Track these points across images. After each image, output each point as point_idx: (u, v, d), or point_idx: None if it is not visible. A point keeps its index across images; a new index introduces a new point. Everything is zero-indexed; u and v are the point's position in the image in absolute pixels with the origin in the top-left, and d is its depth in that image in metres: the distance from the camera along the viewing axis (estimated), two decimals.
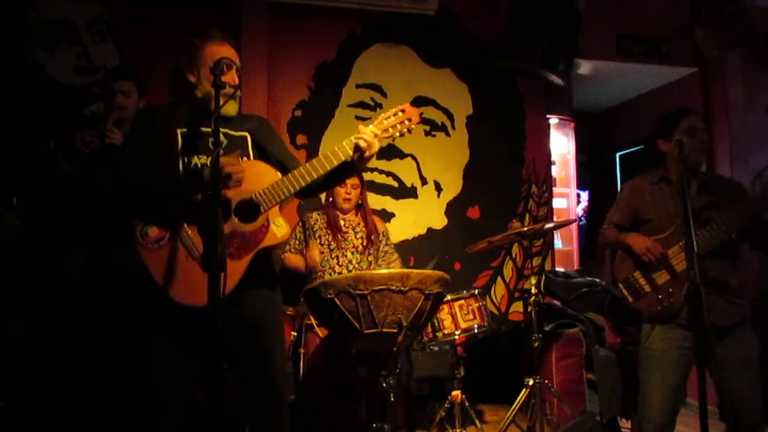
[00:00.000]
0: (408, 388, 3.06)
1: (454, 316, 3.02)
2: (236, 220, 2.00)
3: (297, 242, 3.21)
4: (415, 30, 4.10)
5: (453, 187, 4.19)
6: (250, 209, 2.00)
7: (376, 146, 2.08)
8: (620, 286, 2.63)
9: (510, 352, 3.73)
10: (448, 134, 4.19)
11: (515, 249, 4.25)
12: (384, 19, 4.04)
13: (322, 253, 3.16)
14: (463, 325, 3.02)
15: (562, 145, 5.12)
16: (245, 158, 2.10)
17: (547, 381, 3.18)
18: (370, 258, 3.24)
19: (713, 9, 4.19)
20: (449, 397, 3.05)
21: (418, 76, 4.09)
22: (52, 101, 3.43)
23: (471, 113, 4.23)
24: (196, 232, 1.97)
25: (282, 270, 3.15)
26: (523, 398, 3.05)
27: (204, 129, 2.03)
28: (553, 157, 4.74)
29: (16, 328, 2.67)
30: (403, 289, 2.11)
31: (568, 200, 5.17)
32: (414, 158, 4.10)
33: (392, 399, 2.33)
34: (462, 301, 3.05)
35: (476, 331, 3.03)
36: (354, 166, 2.14)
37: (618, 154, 5.88)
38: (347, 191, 3.20)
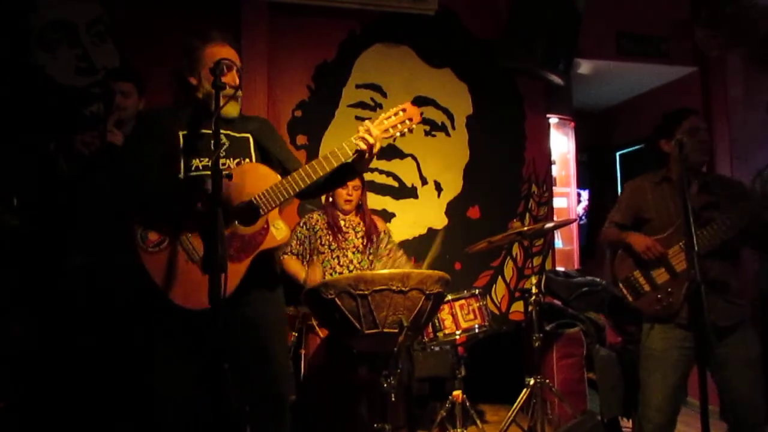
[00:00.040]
0: (409, 388, 3.06)
1: (454, 316, 3.02)
2: (236, 222, 2.00)
3: (298, 243, 3.20)
4: (415, 30, 4.10)
5: (453, 187, 4.19)
6: (250, 212, 2.00)
7: (377, 147, 2.07)
8: (620, 285, 2.64)
9: (511, 351, 3.73)
10: (448, 134, 4.19)
11: (516, 249, 4.25)
12: (384, 19, 4.05)
13: (322, 253, 3.16)
14: (464, 324, 3.02)
15: (562, 144, 5.12)
16: (247, 160, 2.10)
17: (548, 380, 3.18)
18: (371, 257, 3.24)
19: (713, 9, 4.19)
20: (450, 396, 3.05)
21: (418, 76, 4.09)
22: (52, 102, 3.43)
23: (471, 113, 4.24)
24: (196, 237, 1.97)
25: (282, 271, 3.15)
26: (524, 398, 3.06)
27: (205, 130, 2.03)
28: (553, 157, 4.74)
29: (16, 328, 2.67)
30: (403, 289, 2.11)
31: (569, 200, 5.17)
32: (414, 158, 4.10)
33: (393, 399, 2.33)
34: (463, 301, 3.05)
35: (477, 330, 3.03)
36: (354, 167, 2.14)
37: (618, 154, 5.89)
38: (348, 192, 3.20)
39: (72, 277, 2.55)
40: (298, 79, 3.94)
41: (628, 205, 2.72)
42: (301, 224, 3.24)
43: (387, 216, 3.95)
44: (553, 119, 4.78)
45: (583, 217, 5.86)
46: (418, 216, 4.08)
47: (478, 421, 3.10)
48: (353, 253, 3.18)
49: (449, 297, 3.01)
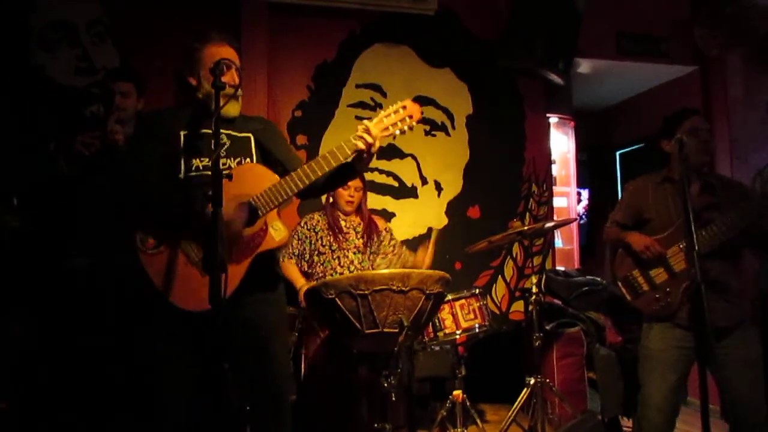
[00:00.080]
0: (409, 388, 3.05)
1: (455, 316, 3.02)
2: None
3: (298, 243, 3.20)
4: (415, 30, 4.10)
5: (453, 186, 4.19)
6: (249, 213, 1.98)
7: (376, 146, 2.04)
8: (619, 284, 2.66)
9: (511, 351, 3.73)
10: (448, 134, 4.19)
11: (516, 248, 4.26)
12: (384, 19, 4.05)
13: (323, 254, 3.16)
14: (464, 324, 3.02)
15: (562, 144, 5.12)
16: (248, 160, 2.10)
17: (548, 380, 3.18)
18: (372, 256, 3.24)
19: (713, 8, 4.19)
20: (450, 396, 3.05)
21: (418, 75, 4.09)
22: (52, 102, 3.43)
23: (471, 113, 4.24)
24: (196, 238, 1.96)
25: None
26: (525, 397, 3.05)
27: (205, 130, 2.03)
28: (553, 156, 4.75)
29: (16, 328, 2.67)
30: (404, 289, 2.11)
31: (569, 199, 5.17)
32: (414, 158, 4.10)
33: (393, 399, 2.34)
34: (463, 301, 3.05)
35: (477, 330, 3.03)
36: (354, 167, 2.13)
37: (618, 153, 5.89)
38: (350, 194, 3.20)
39: (72, 278, 2.55)
40: (298, 79, 3.94)
41: (629, 205, 2.73)
42: (302, 224, 3.24)
43: (387, 216, 3.95)
44: (553, 119, 4.78)
45: (583, 217, 5.86)
46: (418, 216, 4.08)
47: (479, 421, 3.10)
48: (354, 253, 3.19)
49: (449, 297, 3.01)
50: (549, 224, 3.41)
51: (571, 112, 4.98)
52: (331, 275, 3.09)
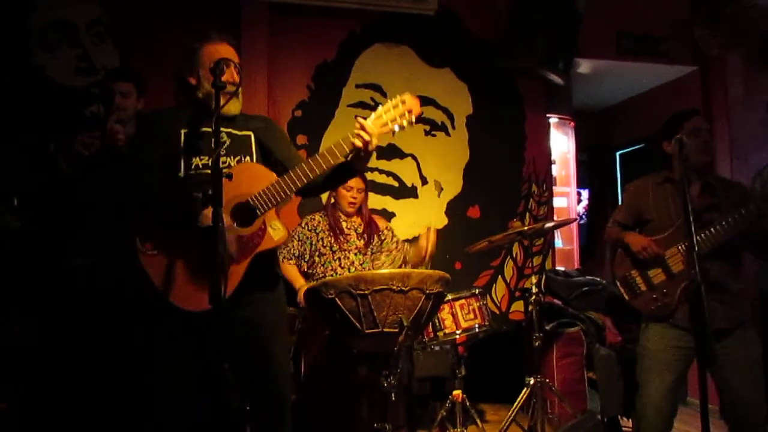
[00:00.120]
0: (409, 388, 3.06)
1: (455, 316, 3.02)
2: (233, 224, 2.00)
3: (299, 243, 3.20)
4: (414, 30, 4.10)
5: (453, 186, 4.19)
6: (247, 213, 1.98)
7: (374, 143, 2.01)
8: (618, 283, 2.67)
9: (511, 351, 3.73)
10: (448, 134, 4.19)
11: (516, 248, 4.26)
12: (384, 19, 4.05)
13: (323, 255, 3.16)
14: (464, 324, 3.02)
15: (562, 144, 5.12)
16: (247, 158, 2.10)
17: (548, 380, 3.18)
18: (373, 255, 3.24)
19: (713, 8, 4.19)
20: (450, 396, 3.05)
21: (418, 75, 4.09)
22: (52, 102, 3.43)
23: (471, 113, 4.24)
24: (195, 238, 1.95)
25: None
26: (524, 397, 3.05)
27: (205, 129, 2.03)
28: (553, 156, 4.75)
29: (17, 328, 2.67)
30: (404, 288, 2.11)
31: (569, 199, 5.17)
32: (414, 158, 4.10)
33: (393, 399, 2.34)
34: (463, 301, 3.05)
35: (477, 330, 3.03)
36: (353, 166, 2.11)
37: (618, 153, 5.89)
38: (353, 195, 3.20)
39: (72, 278, 2.55)
40: (298, 79, 3.94)
41: (630, 205, 2.74)
42: (303, 225, 3.24)
43: (387, 216, 3.95)
44: (553, 119, 4.78)
45: (583, 217, 5.86)
46: (418, 216, 4.08)
47: (479, 421, 3.10)
48: (355, 254, 3.18)
49: (449, 296, 3.01)
50: (549, 224, 3.41)
51: (571, 112, 4.98)
52: (332, 276, 3.09)
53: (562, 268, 4.49)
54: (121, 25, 3.61)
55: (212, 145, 1.73)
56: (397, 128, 2.05)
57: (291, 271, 3.16)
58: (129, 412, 2.44)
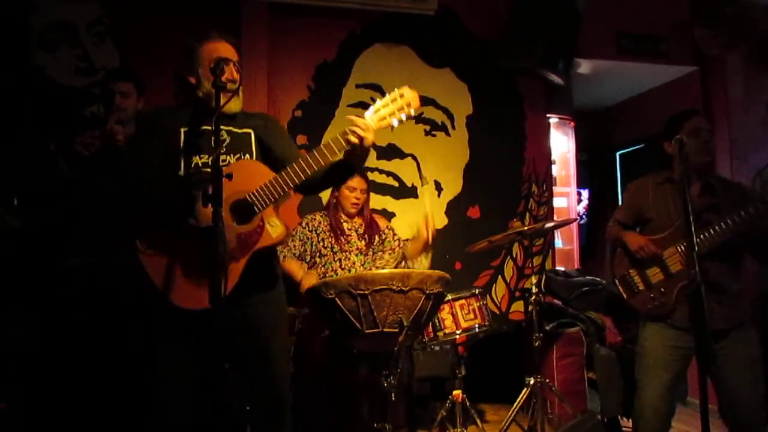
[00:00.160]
0: (409, 388, 3.06)
1: (455, 316, 3.02)
2: (233, 222, 1.99)
3: (300, 243, 3.19)
4: (414, 30, 4.10)
5: (453, 186, 4.19)
6: (245, 210, 1.97)
7: (370, 138, 1.98)
8: (616, 282, 2.69)
9: (511, 351, 3.73)
10: (448, 134, 4.20)
11: (516, 248, 4.26)
12: (384, 19, 4.05)
13: (324, 255, 3.16)
14: (464, 324, 3.02)
15: (562, 144, 5.12)
16: (247, 156, 2.09)
17: (548, 380, 3.18)
18: (376, 256, 3.23)
19: (713, 8, 4.19)
20: (450, 396, 3.05)
21: (418, 75, 4.09)
22: (52, 102, 3.43)
23: (471, 113, 4.24)
24: (195, 237, 1.95)
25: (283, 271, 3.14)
26: (524, 397, 3.06)
27: (205, 127, 2.03)
28: (554, 156, 4.75)
29: (17, 329, 2.67)
30: (404, 288, 2.11)
31: (569, 199, 5.17)
32: (414, 158, 4.10)
33: (393, 399, 2.33)
34: (463, 301, 3.05)
35: (477, 330, 3.04)
36: (351, 164, 2.09)
37: (618, 153, 5.89)
38: (356, 196, 3.19)
39: (72, 278, 2.55)
40: (298, 79, 3.94)
41: (630, 205, 2.75)
42: (303, 225, 3.23)
43: (387, 216, 3.95)
44: (553, 119, 4.78)
45: (583, 217, 5.86)
46: (419, 216, 4.06)
47: (479, 421, 3.10)
48: (356, 255, 3.18)
49: (449, 296, 3.01)
50: (549, 224, 3.41)
51: (571, 112, 4.98)
52: (332, 276, 3.09)
53: (562, 268, 4.49)
54: (121, 25, 3.61)
55: (212, 144, 1.72)
56: (395, 123, 2.03)
57: (292, 264, 3.14)
58: (129, 412, 2.44)
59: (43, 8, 3.49)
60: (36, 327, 2.62)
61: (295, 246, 3.18)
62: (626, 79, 4.92)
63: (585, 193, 5.95)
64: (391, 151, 4.04)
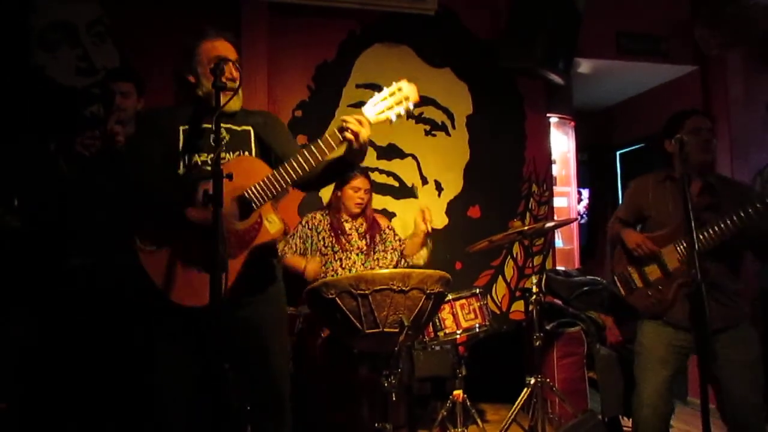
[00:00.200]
0: (410, 388, 3.06)
1: (455, 316, 3.02)
2: (235, 214, 1.97)
3: (300, 241, 3.20)
4: (415, 30, 4.10)
5: (453, 186, 4.19)
6: (243, 206, 1.97)
7: (365, 134, 1.96)
8: (615, 278, 2.70)
9: (511, 351, 3.73)
10: (448, 134, 4.19)
11: (516, 248, 4.26)
12: (384, 19, 4.05)
13: (324, 255, 3.16)
14: (465, 324, 3.02)
15: (562, 143, 5.12)
16: (246, 153, 2.09)
17: (548, 380, 3.18)
18: (378, 255, 3.23)
19: (713, 7, 4.19)
20: (451, 396, 3.05)
21: (418, 75, 4.06)
22: (52, 103, 3.43)
23: (471, 113, 4.24)
24: (194, 235, 1.95)
25: (284, 269, 3.14)
26: (525, 397, 3.05)
27: (205, 126, 2.03)
28: (554, 156, 4.74)
29: (17, 328, 2.67)
30: (404, 288, 2.10)
31: (569, 199, 5.17)
32: (414, 158, 4.10)
33: (394, 399, 2.33)
34: (463, 301, 3.05)
35: (477, 330, 3.03)
36: (349, 160, 2.06)
37: (618, 153, 5.89)
38: (360, 196, 3.19)
39: (72, 278, 2.55)
40: (298, 79, 3.94)
41: (631, 202, 2.77)
42: (303, 223, 3.23)
43: (387, 216, 3.95)
44: (554, 118, 4.77)
45: (584, 217, 5.86)
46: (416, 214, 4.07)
47: (479, 421, 3.10)
48: (357, 254, 3.18)
49: (450, 296, 3.01)
50: (549, 224, 3.41)
51: (571, 111, 4.98)
52: (332, 276, 3.09)
53: (563, 268, 4.48)
54: (121, 25, 3.61)
55: (212, 142, 1.72)
56: (394, 117, 2.02)
57: (294, 258, 3.15)
58: (129, 412, 2.44)
59: (43, 8, 3.49)
60: (36, 327, 2.61)
61: (296, 244, 3.19)
62: (626, 78, 4.92)
63: (585, 193, 5.94)
64: (391, 151, 4.04)
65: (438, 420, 3.09)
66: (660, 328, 2.55)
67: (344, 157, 2.05)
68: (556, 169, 4.89)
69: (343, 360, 2.80)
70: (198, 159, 2.02)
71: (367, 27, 4.05)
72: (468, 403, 3.06)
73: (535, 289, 3.13)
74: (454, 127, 4.20)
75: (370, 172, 3.87)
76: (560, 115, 4.85)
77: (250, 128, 2.13)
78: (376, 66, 4.04)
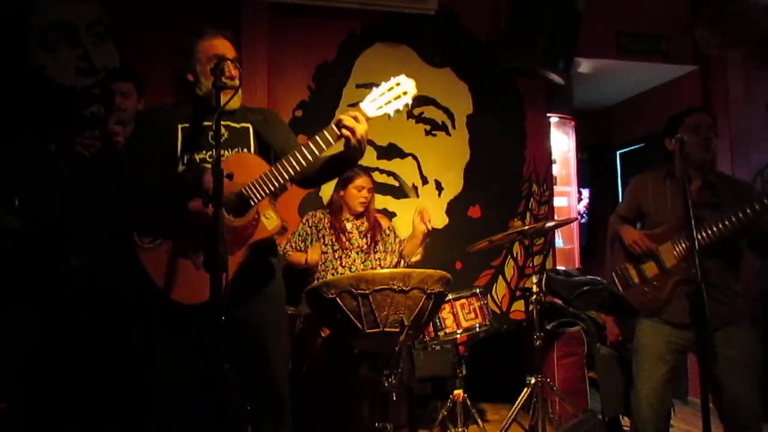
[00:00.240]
0: (410, 388, 3.06)
1: (455, 315, 3.02)
2: (227, 214, 1.98)
3: (300, 240, 3.21)
4: (415, 30, 4.10)
5: (454, 186, 4.19)
6: (240, 203, 1.96)
7: (361, 129, 1.95)
8: (613, 274, 2.72)
9: (511, 350, 3.73)
10: (448, 134, 4.19)
11: (516, 248, 4.26)
12: (384, 19, 4.05)
13: (324, 253, 3.16)
14: (465, 324, 3.02)
15: (562, 143, 5.12)
16: (245, 150, 2.08)
17: (548, 379, 3.18)
18: (379, 255, 3.23)
19: (713, 7, 4.19)
20: (451, 396, 3.06)
21: (419, 75, 3.97)
22: (52, 103, 3.43)
23: (471, 112, 4.24)
24: (192, 232, 1.95)
25: (284, 269, 3.14)
26: (525, 397, 3.06)
27: (206, 123, 2.03)
28: (554, 156, 4.74)
29: (17, 328, 2.67)
30: (404, 288, 2.10)
31: (569, 198, 5.17)
32: (415, 158, 4.10)
33: (394, 398, 2.33)
34: (463, 300, 3.05)
35: (478, 330, 3.03)
36: (348, 156, 2.04)
37: (618, 153, 5.89)
38: (364, 195, 3.19)
39: (72, 278, 2.55)
40: (298, 79, 3.94)
41: (631, 199, 2.79)
42: (304, 222, 3.24)
43: (387, 215, 3.95)
44: (554, 118, 4.78)
45: (584, 216, 5.86)
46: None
47: (479, 420, 3.10)
48: (357, 253, 3.18)
49: (450, 296, 3.01)
50: (549, 224, 3.41)
51: (571, 111, 4.98)
52: (333, 275, 3.09)
53: (563, 268, 4.48)
54: (121, 25, 3.61)
55: (211, 140, 1.72)
56: (392, 111, 2.01)
57: (296, 255, 3.17)
58: (129, 412, 2.44)
59: (43, 8, 3.49)
60: (36, 327, 2.61)
61: (296, 243, 3.20)
62: (626, 78, 4.92)
63: (585, 193, 5.94)
64: (391, 151, 4.04)
65: (438, 420, 3.10)
66: (658, 326, 2.56)
67: (343, 153, 2.04)
68: (556, 169, 4.89)
69: (343, 360, 2.80)
70: (197, 157, 2.02)
71: (367, 27, 4.05)
72: (468, 403, 3.06)
73: (535, 289, 3.14)
74: (454, 126, 4.20)
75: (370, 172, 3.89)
76: (560, 115, 4.85)
77: (249, 125, 2.13)
78: (377, 66, 4.04)
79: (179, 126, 2.04)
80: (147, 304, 2.01)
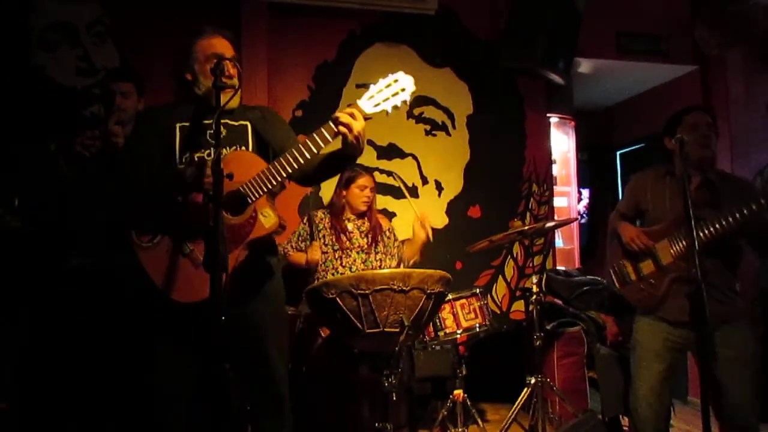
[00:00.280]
0: (410, 388, 3.06)
1: (455, 315, 3.02)
2: (225, 213, 1.97)
3: (300, 239, 3.21)
4: (415, 30, 4.10)
5: (454, 186, 4.19)
6: (238, 201, 1.95)
7: (358, 126, 1.94)
8: (610, 271, 2.73)
9: (511, 350, 3.73)
10: (448, 134, 4.19)
11: (516, 248, 4.26)
12: (384, 19, 4.05)
13: (325, 253, 3.16)
14: (465, 324, 3.02)
15: (562, 143, 5.12)
16: (243, 148, 2.08)
17: (548, 379, 3.18)
18: (380, 256, 3.23)
19: (713, 7, 4.19)
20: (451, 396, 3.06)
21: (419, 75, 3.98)
22: (52, 103, 3.43)
23: (471, 112, 4.24)
24: (191, 230, 1.95)
25: (284, 269, 3.14)
26: (525, 397, 3.06)
27: (205, 122, 2.02)
28: (554, 156, 4.74)
29: (17, 329, 2.67)
30: (404, 288, 2.11)
31: (569, 199, 5.17)
32: (415, 158, 4.10)
33: (394, 398, 2.34)
34: (463, 300, 3.05)
35: (478, 330, 3.03)
36: (346, 153, 2.04)
37: (618, 153, 5.89)
38: (367, 195, 3.19)
39: (72, 278, 2.55)
40: (298, 79, 3.94)
41: (630, 196, 2.79)
42: (305, 221, 3.25)
43: (387, 215, 3.95)
44: (554, 118, 4.77)
45: (584, 216, 5.86)
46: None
47: (479, 420, 3.10)
48: (357, 253, 3.18)
49: (450, 296, 3.01)
50: (549, 224, 3.41)
51: (571, 111, 4.98)
52: (333, 275, 3.09)
53: (563, 268, 4.48)
54: (121, 25, 3.61)
55: (209, 138, 1.72)
56: (390, 108, 2.00)
57: (297, 255, 3.17)
58: (129, 412, 2.44)
59: (43, 8, 3.49)
60: (36, 327, 2.61)
61: (296, 243, 3.20)
62: (626, 78, 4.92)
63: (585, 193, 5.94)
64: (391, 151, 4.04)
65: (438, 420, 3.10)
66: (654, 324, 2.56)
67: (341, 150, 2.03)
68: (556, 169, 4.89)
69: (343, 360, 2.80)
70: (196, 156, 2.01)
71: (367, 27, 4.05)
72: (468, 403, 3.06)
73: (535, 289, 3.14)
74: (454, 126, 4.20)
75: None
76: (560, 115, 4.85)
77: (247, 123, 2.12)
78: (377, 66, 4.03)
79: (177, 125, 2.04)
80: (147, 304, 2.00)
